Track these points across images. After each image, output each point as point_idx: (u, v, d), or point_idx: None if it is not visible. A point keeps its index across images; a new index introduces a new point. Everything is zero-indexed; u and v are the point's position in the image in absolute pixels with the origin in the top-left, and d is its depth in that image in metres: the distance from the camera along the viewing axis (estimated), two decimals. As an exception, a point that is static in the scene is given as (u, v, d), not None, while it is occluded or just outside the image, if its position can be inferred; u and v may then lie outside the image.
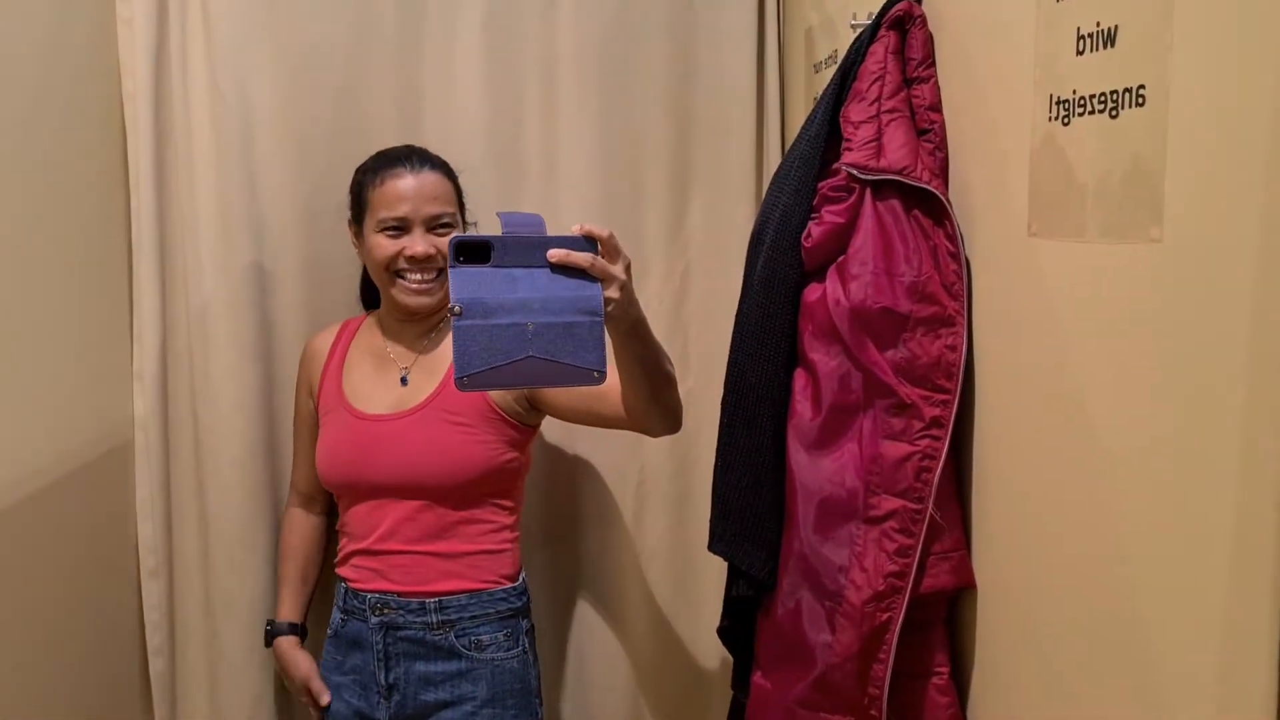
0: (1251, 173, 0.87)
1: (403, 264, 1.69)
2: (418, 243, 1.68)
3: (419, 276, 1.69)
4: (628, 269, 1.27)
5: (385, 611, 1.68)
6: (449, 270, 1.18)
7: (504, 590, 1.71)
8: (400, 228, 1.69)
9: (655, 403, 1.50)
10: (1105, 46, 1.06)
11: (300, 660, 1.80)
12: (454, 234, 1.71)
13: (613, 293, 1.24)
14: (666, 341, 1.99)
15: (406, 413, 1.69)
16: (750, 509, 1.43)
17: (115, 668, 1.84)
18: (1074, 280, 1.12)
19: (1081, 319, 1.11)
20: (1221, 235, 0.91)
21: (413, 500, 1.67)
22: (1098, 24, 1.07)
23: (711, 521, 1.48)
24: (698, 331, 2.01)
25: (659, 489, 2.03)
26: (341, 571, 1.75)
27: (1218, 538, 0.91)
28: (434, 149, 1.83)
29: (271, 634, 1.84)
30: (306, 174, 1.88)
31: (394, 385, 1.74)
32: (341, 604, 1.74)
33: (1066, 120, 1.12)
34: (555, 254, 1.20)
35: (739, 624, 1.52)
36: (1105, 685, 1.08)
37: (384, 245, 1.69)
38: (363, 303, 1.90)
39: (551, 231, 1.23)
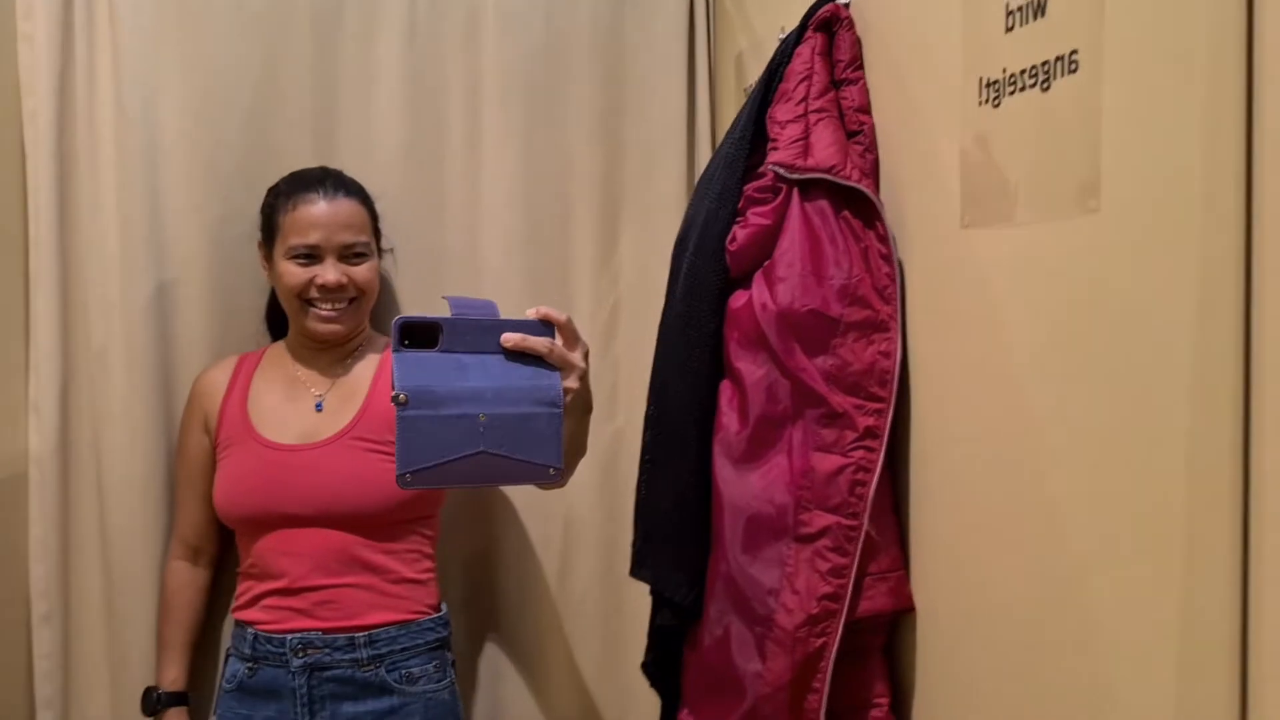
0: (1189, 131, 0.82)
1: (314, 293, 1.60)
2: (329, 272, 1.60)
3: (329, 306, 1.61)
4: (586, 355, 1.17)
5: (309, 652, 1.56)
6: (393, 354, 1.07)
7: (430, 620, 1.63)
8: (311, 255, 1.61)
9: (566, 473, 1.44)
10: (1036, 18, 1.01)
11: None
12: (367, 265, 1.63)
13: (572, 382, 1.13)
14: (595, 378, 1.90)
15: (325, 441, 1.60)
16: (674, 530, 1.34)
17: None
18: (1011, 268, 1.06)
19: (1021, 309, 1.05)
20: (1162, 198, 0.85)
21: (334, 531, 1.57)
22: (1026, -5, 1.02)
23: (634, 545, 1.38)
24: (628, 368, 1.93)
25: (588, 530, 1.93)
26: (247, 615, 1.62)
27: (1172, 543, 0.84)
28: (349, 172, 1.75)
29: (158, 703, 1.69)
30: (214, 198, 1.79)
31: (308, 413, 1.64)
32: (249, 652, 1.60)
33: (997, 102, 1.07)
34: (510, 339, 1.10)
35: (665, 658, 1.41)
36: (1061, 705, 0.99)
37: (294, 273, 1.61)
38: (269, 329, 1.80)
39: (505, 314, 1.13)
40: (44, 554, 1.72)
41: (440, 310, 1.11)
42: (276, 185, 1.70)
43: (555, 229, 1.92)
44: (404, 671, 1.59)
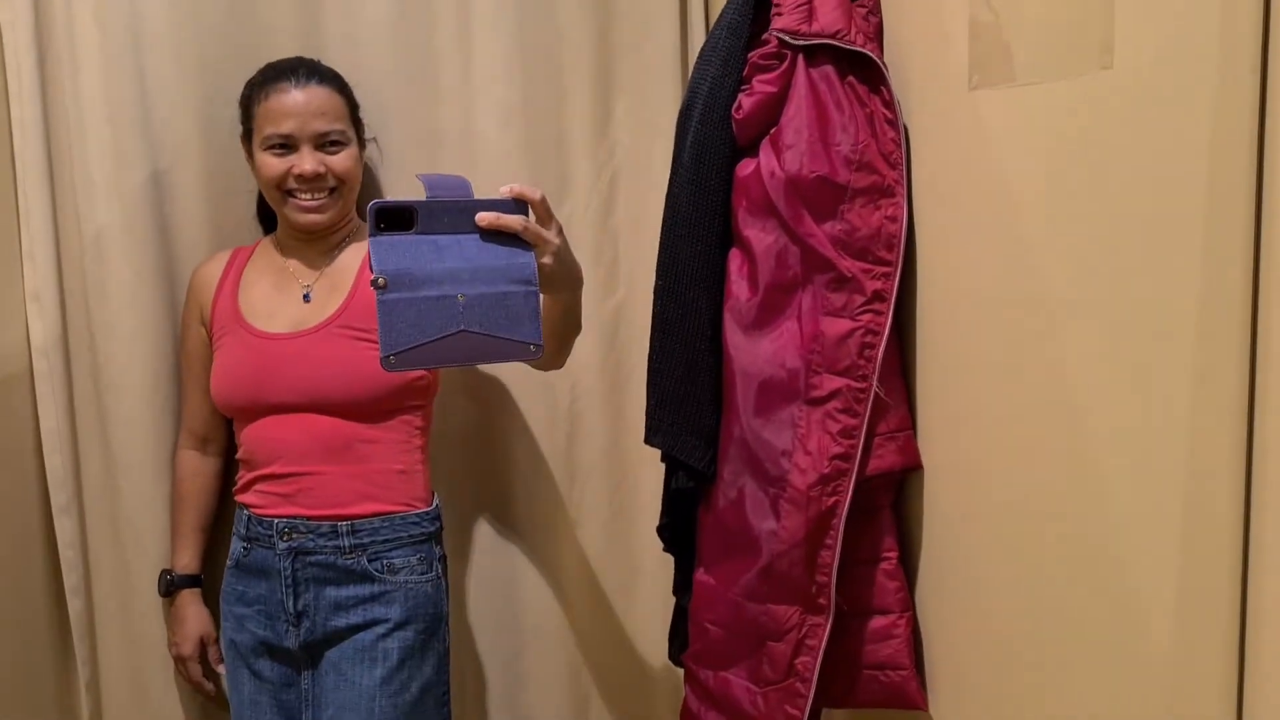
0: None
1: (292, 183, 1.59)
2: (306, 161, 1.58)
3: (309, 195, 1.60)
4: (560, 232, 1.18)
5: (294, 536, 1.60)
6: (369, 240, 1.07)
7: (417, 514, 1.65)
8: (286, 145, 1.59)
9: (561, 352, 1.49)
10: None
11: (203, 617, 1.74)
12: (345, 154, 1.62)
13: (546, 259, 1.15)
14: (595, 251, 1.92)
15: (311, 330, 1.60)
16: (688, 396, 1.37)
17: (21, 612, 1.74)
18: (1020, 129, 1.07)
19: (1029, 170, 1.06)
20: (1176, 55, 0.86)
21: (320, 418, 1.59)
22: None
23: (648, 413, 1.41)
24: (627, 240, 1.93)
25: (593, 406, 1.95)
26: (243, 499, 1.66)
27: (1177, 403, 0.87)
28: (337, 53, 1.72)
29: (172, 585, 1.74)
30: (203, 83, 1.75)
31: (295, 302, 1.65)
32: (244, 532, 1.65)
33: (1008, -42, 1.06)
34: (484, 218, 1.11)
35: (679, 522, 1.46)
36: (1061, 563, 1.04)
37: (271, 164, 1.59)
38: (260, 222, 1.79)
39: (479, 194, 1.14)
40: (58, 444, 1.74)
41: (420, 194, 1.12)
42: (252, 77, 1.67)
43: (549, 102, 1.90)
44: (386, 561, 1.62)
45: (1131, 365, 0.92)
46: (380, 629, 1.60)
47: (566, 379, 1.93)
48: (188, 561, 1.74)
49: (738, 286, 1.32)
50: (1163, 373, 0.88)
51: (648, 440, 1.41)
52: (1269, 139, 0.78)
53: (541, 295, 1.15)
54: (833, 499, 1.26)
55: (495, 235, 1.13)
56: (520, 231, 1.12)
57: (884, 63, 1.26)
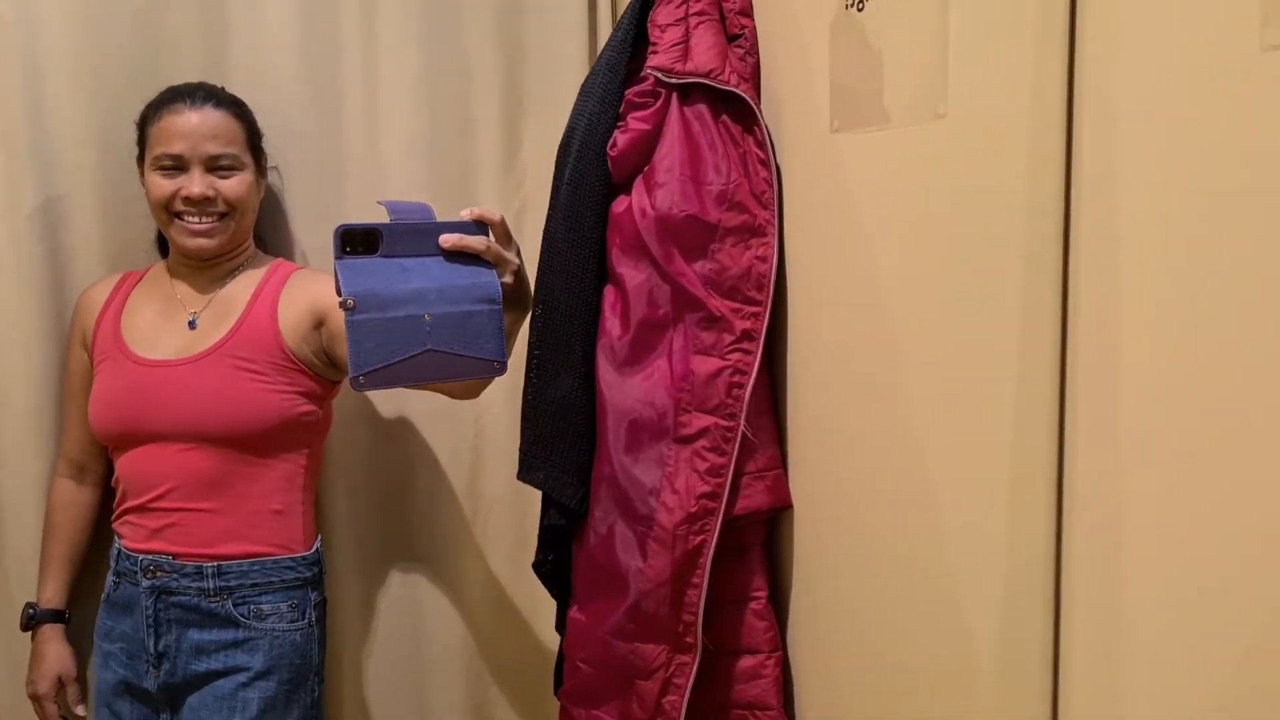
0: (1021, 43, 0.83)
1: (180, 205, 1.57)
2: (194, 183, 1.56)
3: (197, 219, 1.57)
4: (519, 253, 1.20)
5: (157, 575, 1.54)
6: (335, 262, 1.09)
7: (291, 559, 1.60)
8: (176, 166, 1.57)
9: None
10: (894, -79, 1.01)
11: (63, 654, 1.67)
12: (237, 179, 1.59)
13: (507, 278, 1.16)
14: (501, 282, 1.92)
15: (193, 358, 1.56)
16: (561, 433, 1.36)
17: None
18: (872, 172, 1.08)
19: (880, 213, 1.07)
20: (997, 106, 0.87)
21: (194, 451, 1.54)
22: (886, -103, 1.02)
23: (521, 449, 1.40)
24: (534, 271, 1.93)
25: (499, 437, 1.94)
26: (116, 527, 1.62)
27: (1002, 433, 0.88)
28: (241, 80, 1.71)
29: (33, 619, 1.67)
30: (101, 108, 1.74)
31: (180, 329, 1.61)
32: (115, 565, 1.60)
33: (861, 6, 1.07)
34: (449, 239, 1.13)
35: (557, 558, 1.45)
36: (911, 600, 1.04)
37: (160, 184, 1.57)
38: (159, 247, 1.77)
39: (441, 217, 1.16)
40: None
41: (363, 219, 1.14)
42: (152, 100, 1.66)
43: (457, 132, 1.90)
44: (253, 607, 1.57)
45: (963, 403, 0.93)
46: (241, 677, 1.55)
47: (472, 409, 1.92)
48: (51, 595, 1.68)
49: (611, 324, 1.32)
50: (989, 408, 0.89)
51: (520, 476, 1.41)
52: (1074, 181, 0.80)
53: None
54: (699, 538, 1.25)
55: (458, 256, 1.15)
56: (482, 252, 1.14)
57: (757, 103, 1.27)
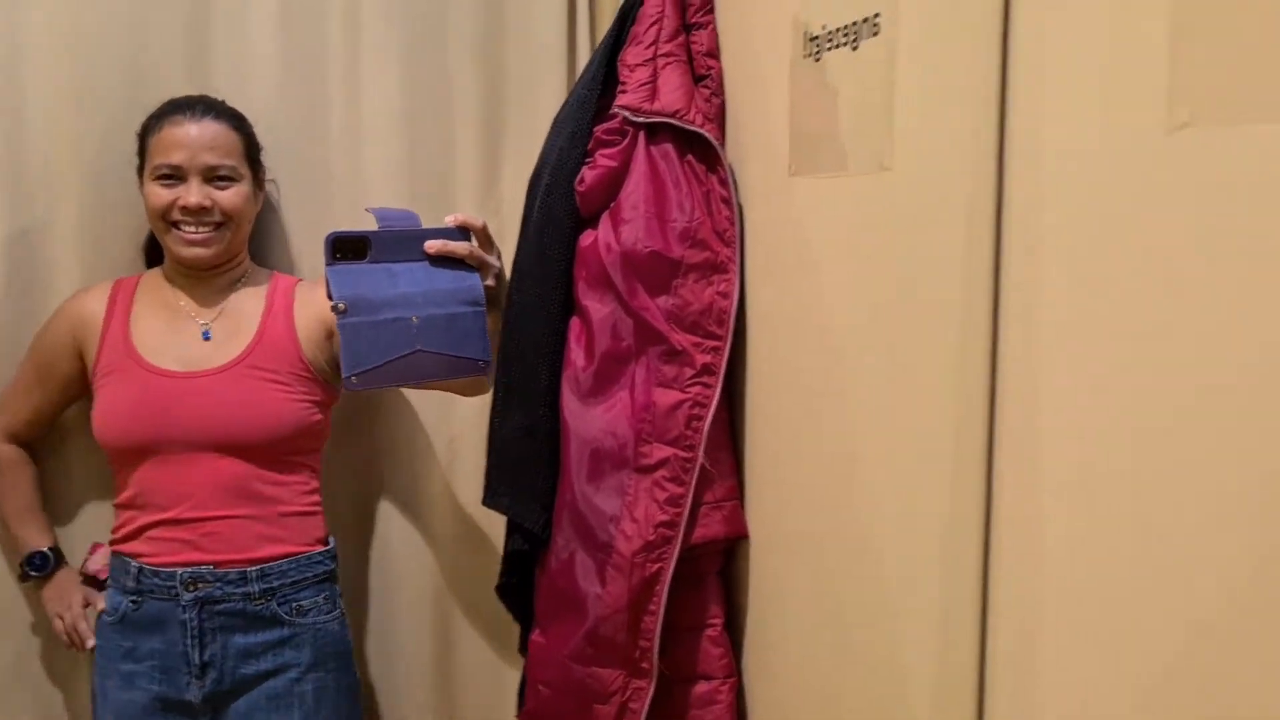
0: (959, 103, 0.87)
1: (177, 214, 1.60)
2: (192, 193, 1.59)
3: (194, 228, 1.61)
4: (499, 257, 1.28)
5: (199, 586, 1.57)
6: (326, 269, 1.16)
7: (319, 553, 1.66)
8: (175, 176, 1.60)
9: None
10: (847, -22, 1.05)
11: (80, 586, 1.70)
12: (234, 190, 1.62)
13: (489, 280, 1.24)
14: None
15: (219, 369, 1.60)
16: (525, 461, 1.39)
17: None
18: (825, 217, 1.11)
19: (830, 256, 1.10)
20: (937, 161, 0.90)
21: (225, 460, 1.58)
22: (840, -44, 1.06)
23: (486, 474, 1.43)
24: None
25: (471, 448, 1.97)
26: (130, 548, 1.63)
27: (941, 462, 0.91)
28: (224, 96, 1.74)
29: (43, 566, 1.69)
30: (85, 124, 1.77)
31: (194, 341, 1.64)
32: (133, 585, 1.60)
33: (818, 56, 1.11)
34: (434, 245, 1.22)
35: (521, 582, 1.48)
36: (847, 629, 1.08)
37: (158, 194, 1.60)
38: (146, 257, 1.80)
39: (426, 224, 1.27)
40: None
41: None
42: (153, 111, 1.69)
43: (438, 154, 1.93)
44: (295, 604, 1.62)
45: (904, 440, 0.96)
46: (293, 674, 1.61)
47: (445, 425, 1.95)
48: (43, 538, 1.71)
49: (576, 355, 1.35)
50: (927, 438, 0.93)
51: (485, 502, 1.44)
52: (1004, 232, 0.83)
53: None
54: (657, 565, 1.29)
55: (443, 261, 1.25)
56: (466, 257, 1.23)
57: (721, 143, 1.31)
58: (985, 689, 0.88)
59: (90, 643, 1.66)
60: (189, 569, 1.58)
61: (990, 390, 0.86)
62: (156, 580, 1.59)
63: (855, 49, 1.03)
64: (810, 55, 1.12)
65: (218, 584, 1.58)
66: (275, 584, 1.61)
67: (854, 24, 1.03)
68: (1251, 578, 0.60)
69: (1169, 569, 0.66)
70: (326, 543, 1.70)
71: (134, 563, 1.60)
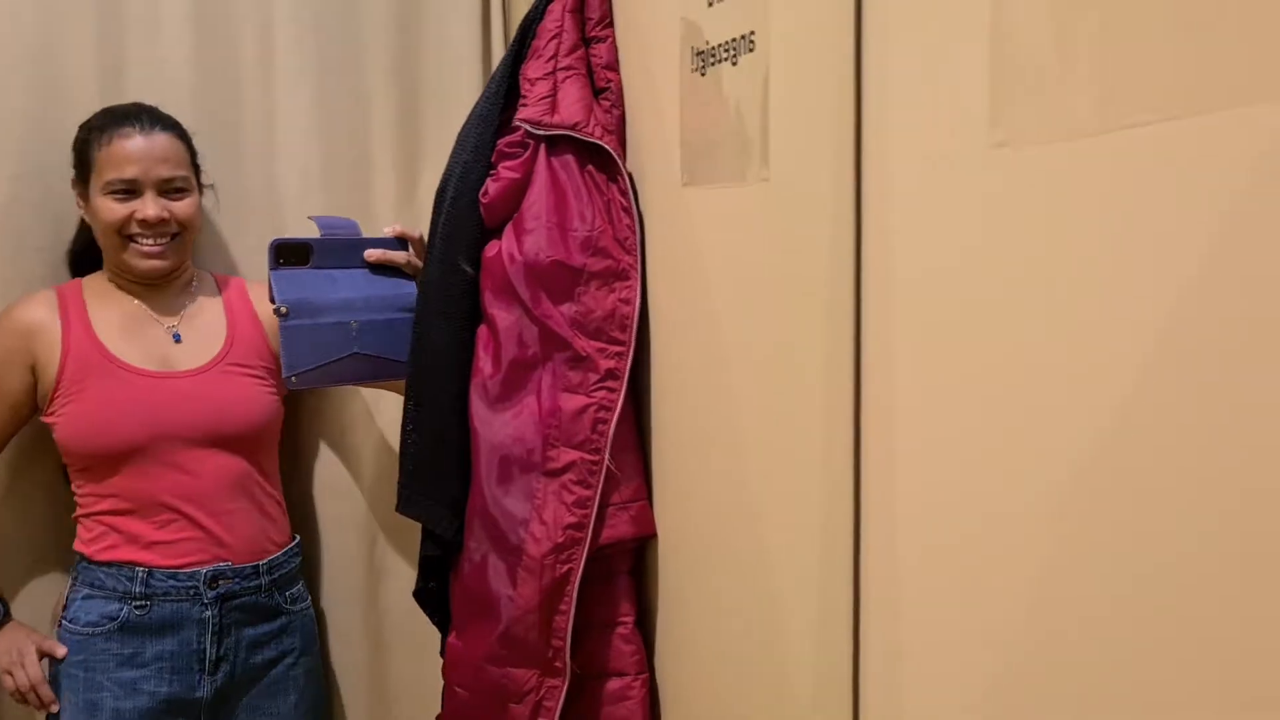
0: (821, 116, 0.91)
1: (135, 228, 1.60)
2: (149, 206, 1.59)
3: (151, 241, 1.61)
4: None
5: (219, 583, 1.60)
6: (270, 273, 1.22)
7: (295, 544, 1.74)
8: (130, 190, 1.61)
9: None
10: (727, -4, 1.09)
11: (31, 632, 1.63)
12: (188, 200, 1.64)
13: None
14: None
15: (202, 368, 1.63)
16: (436, 468, 1.42)
17: None
18: (714, 225, 1.15)
19: (719, 263, 1.14)
20: (806, 173, 0.95)
21: (226, 456, 1.62)
22: (719, -26, 1.10)
23: (399, 483, 1.46)
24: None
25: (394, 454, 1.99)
26: (130, 556, 1.58)
27: (812, 453, 0.96)
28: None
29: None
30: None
31: (163, 343, 1.64)
32: (139, 590, 1.58)
33: (704, 71, 1.15)
34: (373, 254, 1.31)
35: (438, 587, 1.51)
36: (741, 621, 1.12)
37: (113, 209, 1.59)
38: (73, 267, 1.79)
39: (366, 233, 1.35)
40: None
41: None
42: (89, 121, 1.67)
43: (354, 170, 1.94)
44: (289, 593, 1.70)
45: (783, 435, 1.00)
46: (289, 659, 1.69)
47: (372, 432, 1.96)
48: None
49: (484, 363, 1.38)
50: (802, 434, 0.97)
51: (399, 509, 1.46)
52: (864, 238, 0.88)
53: None
54: (566, 566, 1.32)
55: (381, 269, 1.32)
56: (404, 265, 1.30)
57: (621, 154, 1.34)
58: (859, 682, 0.92)
59: (55, 707, 1.61)
60: (210, 567, 1.60)
61: (855, 387, 0.90)
62: (172, 583, 1.59)
63: (735, 64, 1.07)
64: (697, 70, 1.16)
65: (236, 579, 1.62)
66: (278, 575, 1.68)
67: (734, 40, 1.07)
68: (1070, 566, 0.65)
69: (1001, 564, 0.71)
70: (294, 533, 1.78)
71: (139, 569, 1.58)
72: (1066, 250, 0.63)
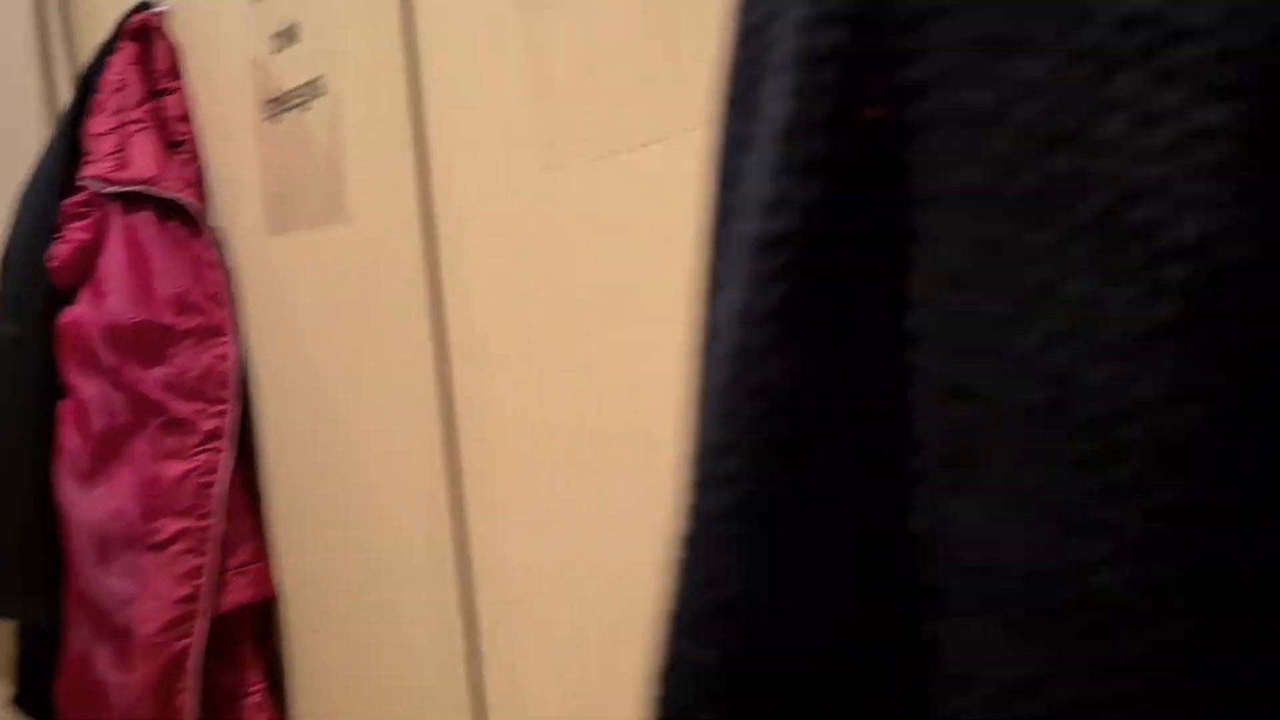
0: (393, 149, 0.94)
1: None
2: None
3: None
4: None
5: None
6: None
7: None
8: None
9: None
10: (292, 42, 1.09)
11: None
12: None
13: None
14: None
15: None
16: (24, 557, 1.30)
17: None
18: (305, 272, 1.15)
19: (314, 308, 1.13)
20: (386, 213, 0.97)
21: None
22: (282, 22, 1.10)
23: (-16, 580, 1.33)
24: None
25: None
26: None
27: (418, 475, 0.97)
28: None
29: None
30: None
31: None
32: None
33: (278, 119, 1.14)
34: None
35: (40, 687, 1.38)
36: (376, 649, 1.11)
37: None
38: None
39: None
40: None
41: None
42: None
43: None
44: None
45: (386, 470, 1.01)
46: None
47: None
48: None
49: (69, 438, 1.29)
50: (408, 485, 0.98)
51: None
52: (442, 263, 0.90)
53: None
54: (183, 641, 1.25)
55: None
56: None
57: (202, 207, 1.30)
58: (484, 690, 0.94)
59: None
60: None
61: (449, 408, 0.93)
62: None
63: (308, 110, 1.08)
64: (269, 119, 1.15)
65: None
66: None
67: (305, 85, 1.07)
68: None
69: (600, 566, 0.76)
70: None
71: None
72: (613, 256, 0.69)
